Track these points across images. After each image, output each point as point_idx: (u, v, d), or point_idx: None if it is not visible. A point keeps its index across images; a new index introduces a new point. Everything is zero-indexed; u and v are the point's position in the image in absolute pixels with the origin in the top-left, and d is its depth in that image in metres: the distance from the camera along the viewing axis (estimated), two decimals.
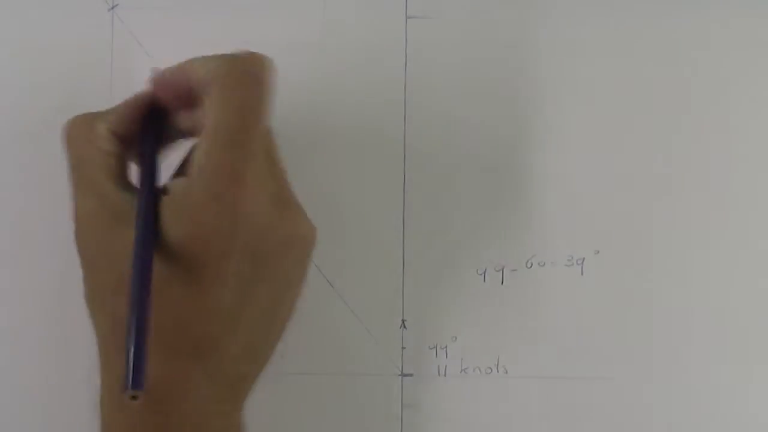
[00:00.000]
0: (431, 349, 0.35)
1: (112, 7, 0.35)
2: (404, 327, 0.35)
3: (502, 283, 0.35)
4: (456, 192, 0.36)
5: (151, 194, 0.27)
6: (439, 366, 0.35)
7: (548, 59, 0.36)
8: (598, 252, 0.35)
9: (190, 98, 0.28)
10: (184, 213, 0.26)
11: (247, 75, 0.27)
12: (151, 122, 0.29)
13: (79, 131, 0.28)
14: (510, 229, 0.36)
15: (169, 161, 0.30)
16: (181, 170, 0.29)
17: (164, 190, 0.27)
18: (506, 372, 0.35)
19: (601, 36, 0.36)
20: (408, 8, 0.36)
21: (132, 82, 0.35)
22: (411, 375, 0.35)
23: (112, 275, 0.26)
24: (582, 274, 0.35)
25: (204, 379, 0.27)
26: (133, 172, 0.29)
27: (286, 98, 0.35)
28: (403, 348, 0.35)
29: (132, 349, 0.23)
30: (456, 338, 0.35)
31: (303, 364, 0.35)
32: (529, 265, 0.35)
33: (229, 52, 0.27)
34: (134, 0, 0.35)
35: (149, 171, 0.28)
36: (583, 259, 0.35)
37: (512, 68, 0.36)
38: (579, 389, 0.35)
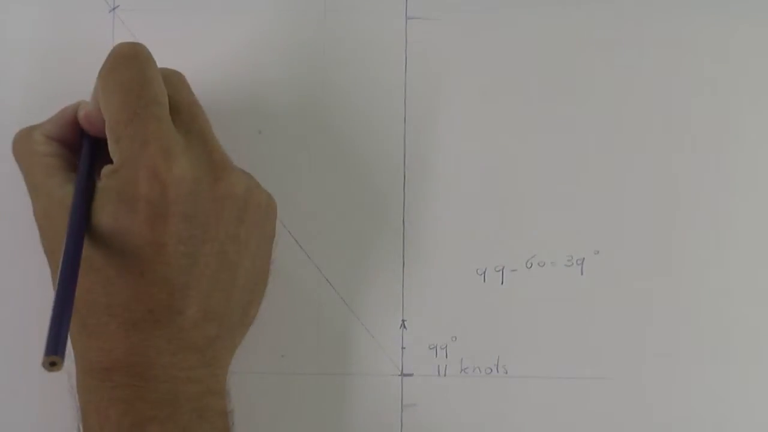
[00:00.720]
0: (431, 349, 0.35)
1: (113, 9, 0.35)
2: (404, 327, 0.35)
3: (502, 283, 0.35)
4: (456, 192, 0.36)
5: (82, 182, 0.28)
6: (439, 366, 0.35)
7: (548, 59, 0.36)
8: (598, 252, 0.35)
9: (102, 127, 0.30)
10: (112, 193, 0.27)
11: (117, 59, 0.29)
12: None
13: (20, 142, 0.31)
14: (510, 229, 0.36)
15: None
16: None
17: (98, 180, 0.29)
18: (506, 372, 0.35)
19: (601, 36, 0.36)
20: (408, 9, 0.36)
21: None
22: (411, 375, 0.35)
23: None
24: (582, 274, 0.35)
25: (166, 345, 0.27)
26: None
27: (286, 98, 0.36)
28: (403, 348, 0.35)
29: (52, 318, 0.24)
30: (456, 338, 0.35)
31: (303, 364, 0.35)
32: (529, 265, 0.35)
33: None
34: (135, 1, 0.35)
35: (83, 163, 0.30)
36: (583, 259, 0.35)
37: (512, 68, 0.36)
38: (578, 389, 0.35)
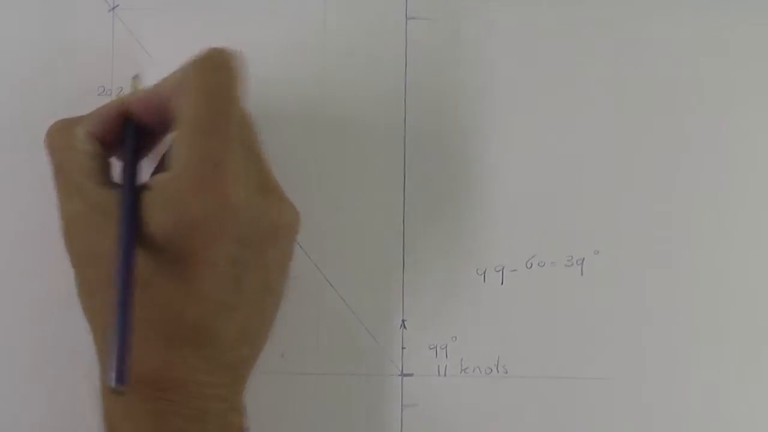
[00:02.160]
0: (431, 349, 0.35)
1: (113, 8, 0.35)
2: (404, 327, 0.35)
3: (502, 283, 0.35)
4: (456, 192, 0.36)
5: (132, 190, 0.27)
6: (439, 366, 0.35)
7: (548, 59, 0.36)
8: (598, 252, 0.35)
9: (164, 118, 0.28)
10: (168, 204, 0.26)
11: (212, 63, 0.28)
12: (130, 124, 0.29)
13: (58, 136, 0.29)
14: (510, 229, 0.36)
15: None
16: (161, 167, 0.30)
17: (146, 186, 0.28)
18: (506, 372, 0.35)
19: (601, 36, 0.36)
20: (408, 9, 0.36)
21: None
22: (411, 375, 0.35)
23: (102, 271, 0.27)
24: (582, 274, 0.35)
25: (202, 365, 0.27)
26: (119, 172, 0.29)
27: (286, 98, 0.36)
28: (403, 348, 0.35)
29: (116, 346, 0.24)
30: (456, 338, 0.35)
31: (303, 364, 0.35)
32: (529, 265, 0.35)
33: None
34: (135, 1, 0.35)
35: (129, 168, 0.28)
36: (583, 259, 0.35)
37: (512, 69, 0.36)
38: (579, 389, 0.35)
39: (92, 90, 0.35)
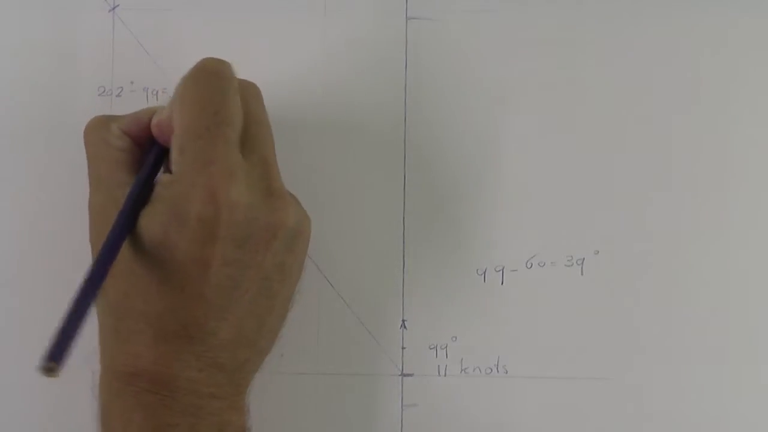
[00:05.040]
0: (431, 349, 0.35)
1: (113, 8, 0.35)
2: (404, 327, 0.35)
3: (502, 283, 0.35)
4: (456, 192, 0.36)
5: (137, 188, 0.28)
6: (439, 366, 0.35)
7: (548, 59, 0.36)
8: (598, 252, 0.35)
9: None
10: (165, 203, 0.27)
11: (203, 72, 0.29)
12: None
13: (95, 130, 0.30)
14: (510, 229, 0.36)
15: None
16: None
17: (154, 183, 0.29)
18: (506, 372, 0.35)
19: (601, 35, 0.36)
20: (408, 9, 0.36)
21: (133, 82, 0.35)
22: (411, 375, 0.35)
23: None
24: (582, 274, 0.35)
25: (194, 361, 0.27)
26: None
27: (286, 99, 0.36)
28: (403, 348, 0.35)
29: (65, 323, 0.24)
30: (456, 338, 0.35)
31: (303, 364, 0.35)
32: (529, 265, 0.35)
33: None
34: (135, 1, 0.35)
35: (144, 169, 0.29)
36: (583, 259, 0.35)
37: (512, 68, 0.36)
38: (578, 389, 0.35)
39: (92, 90, 0.35)
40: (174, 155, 0.28)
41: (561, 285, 0.35)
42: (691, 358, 0.35)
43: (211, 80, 0.28)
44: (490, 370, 0.35)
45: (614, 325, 0.35)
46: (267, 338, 0.30)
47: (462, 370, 0.35)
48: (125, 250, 0.27)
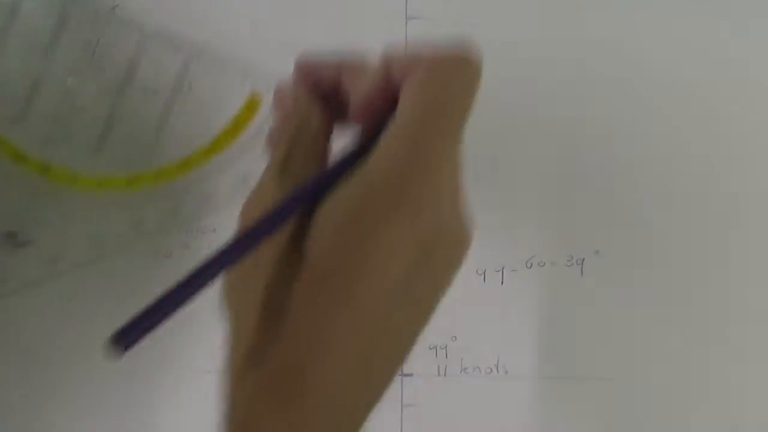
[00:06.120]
0: (431, 349, 0.35)
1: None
2: None
3: (502, 283, 0.35)
4: None
5: (325, 175, 0.24)
6: (439, 366, 0.35)
7: (548, 58, 0.36)
8: (598, 252, 0.35)
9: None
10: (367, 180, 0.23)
11: (464, 65, 0.26)
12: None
13: (300, 111, 0.27)
14: (510, 229, 0.36)
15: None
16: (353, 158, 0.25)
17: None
18: (506, 372, 0.35)
19: (601, 36, 0.36)
20: (408, 9, 0.36)
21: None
22: (411, 375, 0.35)
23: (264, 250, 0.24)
24: (582, 274, 0.35)
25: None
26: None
27: None
28: None
29: (157, 304, 0.19)
30: (456, 338, 0.35)
31: None
32: (529, 265, 0.35)
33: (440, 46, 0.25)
34: (135, 0, 0.35)
35: (330, 170, 0.25)
36: (583, 259, 0.35)
37: (512, 68, 0.36)
38: (578, 389, 0.35)
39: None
40: (396, 134, 0.24)
41: (561, 285, 0.35)
42: (691, 358, 0.35)
43: (474, 80, 0.25)
44: (490, 370, 0.35)
45: (614, 325, 0.35)
46: (417, 336, 0.26)
47: (462, 370, 0.35)
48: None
